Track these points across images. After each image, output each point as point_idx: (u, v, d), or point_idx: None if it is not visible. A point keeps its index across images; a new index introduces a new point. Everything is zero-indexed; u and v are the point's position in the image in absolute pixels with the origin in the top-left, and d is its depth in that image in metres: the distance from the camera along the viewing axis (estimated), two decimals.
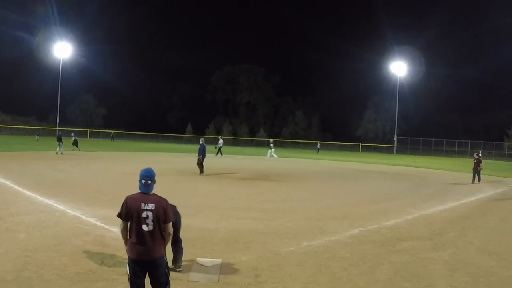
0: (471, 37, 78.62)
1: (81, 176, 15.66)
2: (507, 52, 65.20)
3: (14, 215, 8.29)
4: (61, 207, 9.37)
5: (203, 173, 17.45)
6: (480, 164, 19.10)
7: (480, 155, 19.62)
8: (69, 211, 9.01)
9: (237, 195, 12.80)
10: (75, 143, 29.60)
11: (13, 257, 5.73)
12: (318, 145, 54.40)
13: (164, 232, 3.87)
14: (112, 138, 56.57)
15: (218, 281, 5.20)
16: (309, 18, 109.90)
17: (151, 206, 3.78)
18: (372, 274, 5.69)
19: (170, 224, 3.89)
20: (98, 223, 7.94)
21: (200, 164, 17.65)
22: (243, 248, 6.73)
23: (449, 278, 5.64)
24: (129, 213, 3.80)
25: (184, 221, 8.23)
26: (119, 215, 3.87)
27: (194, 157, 19.21)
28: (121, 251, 5.16)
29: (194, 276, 5.31)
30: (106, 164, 21.11)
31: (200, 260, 5.90)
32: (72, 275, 5.16)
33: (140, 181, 3.89)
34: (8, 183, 12.70)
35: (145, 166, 4.12)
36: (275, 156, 34.73)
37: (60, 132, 27.86)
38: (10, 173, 14.85)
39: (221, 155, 31.54)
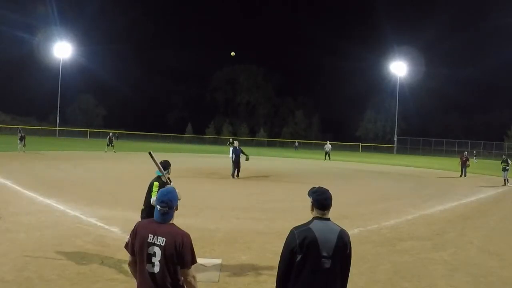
0: (471, 37, 78.46)
1: (81, 176, 15.66)
2: (507, 52, 65.07)
3: (14, 215, 8.29)
4: (61, 207, 9.37)
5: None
6: (467, 162, 22.69)
7: (466, 155, 23.36)
8: (69, 211, 9.02)
9: (237, 195, 12.81)
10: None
11: (13, 257, 5.73)
12: (327, 148, 35.66)
13: (180, 278, 2.83)
14: (117, 137, 56.49)
15: (218, 281, 5.20)
16: (309, 18, 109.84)
17: (161, 240, 2.77)
18: (372, 274, 5.69)
19: (191, 270, 2.83)
20: (98, 223, 7.94)
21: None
22: (243, 248, 6.73)
23: (449, 278, 5.64)
24: (134, 245, 2.88)
25: (184, 221, 8.24)
26: (126, 246, 2.94)
27: (194, 157, 19.12)
28: (121, 251, 5.16)
29: None
30: (106, 164, 21.10)
31: (200, 260, 5.89)
32: (72, 275, 5.16)
33: (156, 206, 2.91)
34: (8, 183, 12.70)
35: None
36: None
37: (22, 132, 25.23)
38: (10, 173, 14.85)
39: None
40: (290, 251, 2.76)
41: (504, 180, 19.30)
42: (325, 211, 2.89)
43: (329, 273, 2.72)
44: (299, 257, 2.73)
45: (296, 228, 2.84)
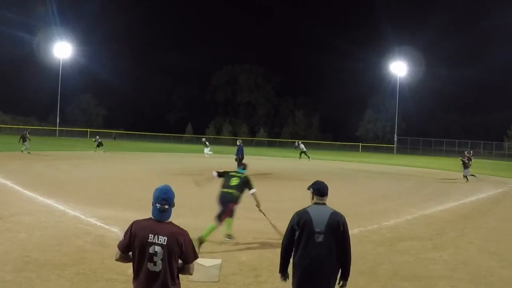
0: (471, 37, 78.41)
1: (81, 176, 15.66)
2: (507, 52, 65.03)
3: (14, 215, 8.28)
4: (61, 207, 9.37)
5: None
6: (470, 162, 21.07)
7: (467, 154, 22.03)
8: (69, 211, 9.01)
9: None
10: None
11: (13, 257, 5.73)
12: (303, 148, 32.70)
13: (178, 276, 2.96)
14: (114, 138, 56.50)
15: (218, 281, 5.21)
16: (309, 18, 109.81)
17: (162, 239, 2.81)
18: (372, 274, 5.69)
19: (192, 265, 2.99)
20: (98, 223, 7.94)
21: None
22: (243, 248, 6.74)
23: (449, 278, 5.64)
24: (131, 245, 2.93)
25: (184, 221, 8.24)
26: (119, 246, 3.01)
27: (194, 157, 19.10)
28: None
29: (194, 276, 5.30)
30: (106, 164, 21.09)
31: (200, 260, 5.89)
32: (72, 275, 5.16)
33: (154, 204, 2.91)
34: (8, 183, 12.69)
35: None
36: (208, 154, 30.38)
37: (26, 132, 25.91)
38: (10, 173, 14.84)
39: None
40: (291, 228, 3.49)
41: (471, 175, 19.66)
42: (323, 197, 3.58)
43: (322, 246, 3.36)
44: (297, 233, 3.44)
45: (297, 211, 3.56)
